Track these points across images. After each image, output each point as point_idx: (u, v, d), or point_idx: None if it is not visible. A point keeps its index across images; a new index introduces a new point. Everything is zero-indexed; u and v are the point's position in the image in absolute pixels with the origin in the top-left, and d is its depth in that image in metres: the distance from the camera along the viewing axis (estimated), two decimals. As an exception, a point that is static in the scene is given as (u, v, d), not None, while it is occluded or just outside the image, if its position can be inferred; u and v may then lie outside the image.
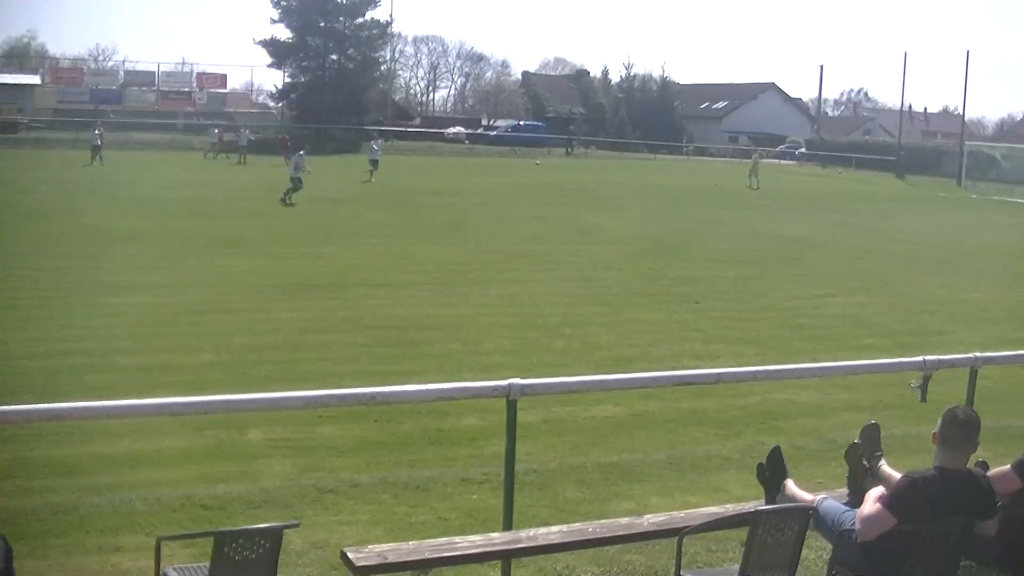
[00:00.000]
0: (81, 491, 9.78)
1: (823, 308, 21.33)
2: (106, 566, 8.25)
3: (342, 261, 24.75)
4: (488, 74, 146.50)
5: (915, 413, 12.08)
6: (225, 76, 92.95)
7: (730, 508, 7.62)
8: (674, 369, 13.64)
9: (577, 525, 7.45)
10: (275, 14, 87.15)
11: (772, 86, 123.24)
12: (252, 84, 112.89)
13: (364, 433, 11.85)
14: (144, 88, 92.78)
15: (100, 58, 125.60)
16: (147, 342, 15.95)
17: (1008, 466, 6.88)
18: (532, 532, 7.14)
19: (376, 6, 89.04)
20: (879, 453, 7.16)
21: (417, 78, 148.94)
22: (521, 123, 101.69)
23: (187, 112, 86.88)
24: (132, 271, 22.02)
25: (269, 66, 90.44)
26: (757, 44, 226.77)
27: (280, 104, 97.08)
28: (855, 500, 6.76)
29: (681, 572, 6.70)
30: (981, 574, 7.63)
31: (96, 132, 55.91)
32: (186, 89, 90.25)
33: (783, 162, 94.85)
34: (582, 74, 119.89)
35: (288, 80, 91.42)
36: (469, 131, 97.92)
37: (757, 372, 10.75)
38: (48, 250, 24.48)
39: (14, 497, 9.60)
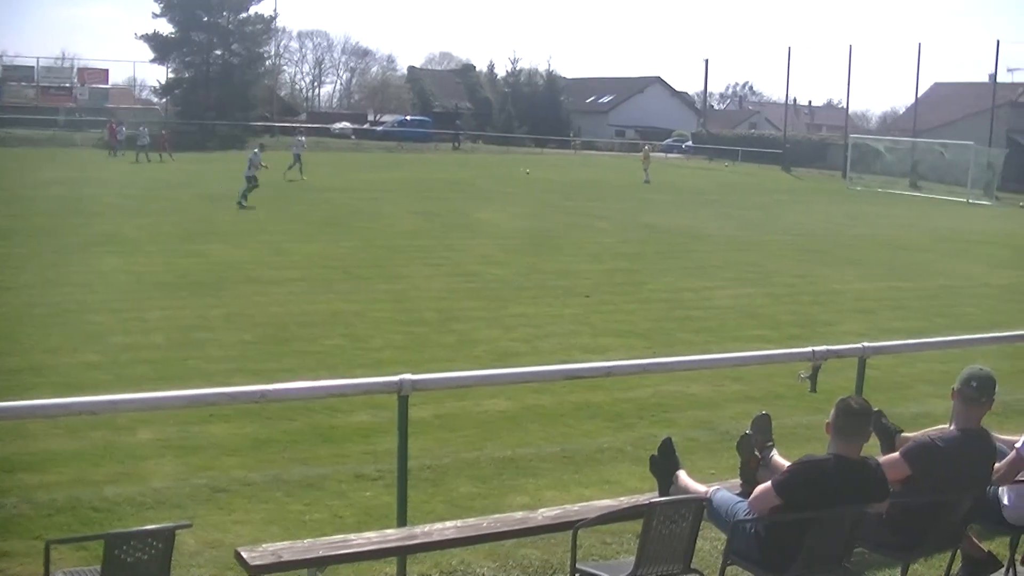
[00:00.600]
0: (-42, 499, 9.52)
1: (712, 300, 21.54)
2: (-8, 573, 8.06)
3: (221, 258, 24.36)
4: (374, 69, 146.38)
5: (805, 403, 12.26)
6: (107, 71, 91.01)
7: (624, 500, 7.63)
8: (565, 363, 13.60)
9: (472, 520, 7.42)
10: (157, 8, 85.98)
11: (658, 80, 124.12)
12: (135, 79, 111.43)
13: (255, 431, 11.69)
14: (23, 83, 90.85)
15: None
16: (16, 343, 15.46)
17: (897, 453, 6.98)
18: (427, 528, 7.09)
19: (260, 1, 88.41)
20: (770, 443, 7.23)
21: (302, 73, 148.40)
22: (408, 118, 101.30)
23: (68, 108, 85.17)
24: (-1, 271, 21.41)
25: (152, 61, 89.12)
26: (642, 38, 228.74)
27: (164, 100, 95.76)
28: (748, 490, 6.80)
29: (577, 565, 6.69)
30: (872, 560, 7.76)
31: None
32: (67, 84, 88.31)
33: (670, 155, 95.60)
34: (468, 69, 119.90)
35: (172, 76, 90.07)
36: (355, 126, 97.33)
37: (647, 365, 10.83)
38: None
39: None
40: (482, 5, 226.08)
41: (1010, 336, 12.53)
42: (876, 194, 62.02)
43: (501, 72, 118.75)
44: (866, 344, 9.08)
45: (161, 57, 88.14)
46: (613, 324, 18.55)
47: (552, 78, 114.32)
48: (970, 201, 59.49)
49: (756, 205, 47.01)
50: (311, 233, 29.55)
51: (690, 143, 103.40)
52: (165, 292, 19.78)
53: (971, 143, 64.21)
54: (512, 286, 22.06)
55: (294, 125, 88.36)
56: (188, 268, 22.56)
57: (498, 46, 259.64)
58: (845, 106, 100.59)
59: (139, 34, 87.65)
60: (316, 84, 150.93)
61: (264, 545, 6.56)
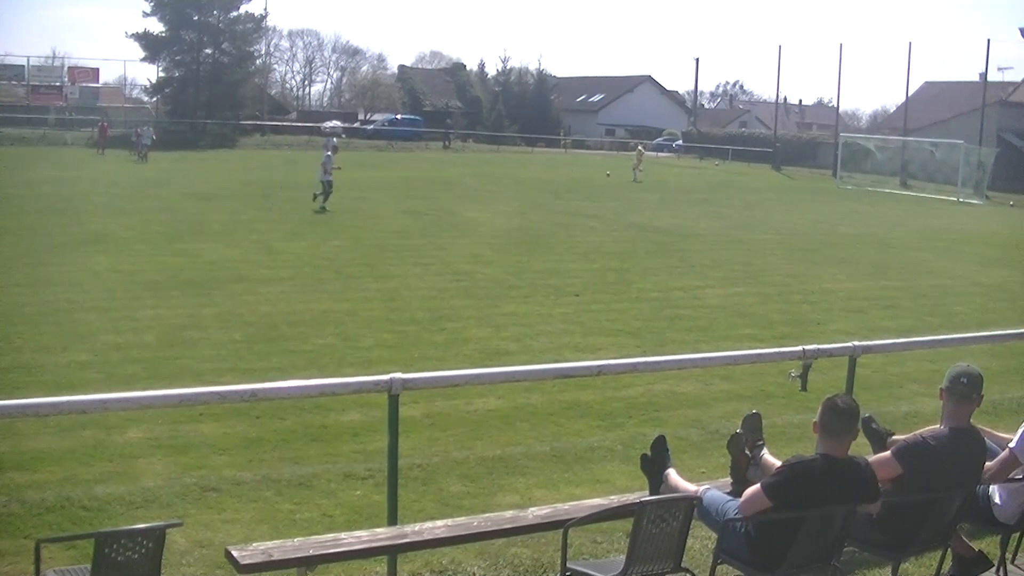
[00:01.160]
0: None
1: (702, 299, 21.55)
2: (-18, 571, 8.04)
3: (212, 257, 24.29)
4: (364, 68, 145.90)
5: (796, 402, 12.32)
6: (97, 70, 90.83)
7: (615, 499, 7.63)
8: (555, 362, 13.62)
9: (462, 519, 7.41)
10: (147, 7, 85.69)
11: (648, 79, 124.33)
12: (125, 78, 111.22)
13: (246, 430, 11.68)
14: (13, 82, 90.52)
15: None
16: (6, 342, 15.41)
17: (888, 452, 6.98)
18: (417, 527, 7.08)
19: (250, 0, 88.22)
20: (761, 442, 7.24)
21: (293, 72, 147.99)
22: (398, 117, 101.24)
23: (58, 107, 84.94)
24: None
25: (142, 60, 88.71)
26: (633, 37, 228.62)
27: (155, 99, 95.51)
28: (738, 490, 6.81)
29: (567, 564, 6.69)
30: (863, 559, 7.77)
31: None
32: (57, 83, 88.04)
33: (660, 154, 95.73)
34: (458, 68, 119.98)
35: (162, 75, 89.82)
36: (346, 125, 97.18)
37: (638, 364, 10.85)
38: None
39: None
40: (472, 4, 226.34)
41: (1000, 335, 12.56)
42: (866, 193, 62.14)
43: (492, 71, 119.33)
44: (856, 343, 9.09)
45: (151, 56, 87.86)
46: (603, 323, 18.55)
47: (542, 77, 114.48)
48: (960, 200, 59.63)
49: (746, 204, 47.04)
50: (301, 232, 29.49)
51: (680, 142, 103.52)
52: (155, 291, 19.72)
53: (961, 142, 64.34)
54: (502, 285, 22.05)
55: (283, 124, 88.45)
56: (178, 267, 22.51)
57: (489, 45, 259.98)
58: (835, 105, 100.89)
59: (129, 33, 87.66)
60: (306, 83, 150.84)
61: (254, 544, 6.54)
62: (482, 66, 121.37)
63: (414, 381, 7.50)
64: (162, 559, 5.92)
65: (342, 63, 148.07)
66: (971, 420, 7.08)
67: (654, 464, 7.34)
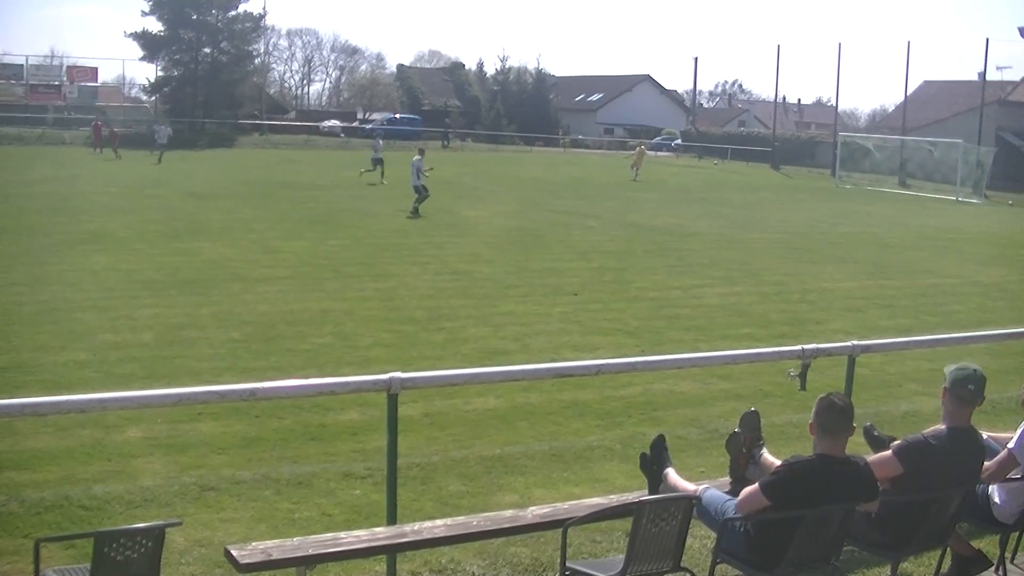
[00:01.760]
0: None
1: (700, 298, 21.53)
2: (-19, 570, 8.03)
3: (210, 257, 24.27)
4: (363, 67, 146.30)
5: (795, 401, 12.30)
6: (96, 69, 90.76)
7: (614, 499, 7.63)
8: (554, 361, 13.59)
9: (461, 518, 7.41)
10: (146, 6, 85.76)
11: (647, 78, 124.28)
12: (124, 77, 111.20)
13: (244, 429, 11.68)
14: (12, 81, 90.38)
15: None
16: (5, 341, 15.42)
17: (889, 451, 6.97)
18: (416, 526, 7.07)
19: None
20: (760, 441, 7.24)
21: (291, 71, 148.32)
22: (397, 116, 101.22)
23: (57, 106, 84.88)
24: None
25: (141, 59, 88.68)
26: (632, 36, 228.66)
27: (153, 98, 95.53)
28: (737, 488, 6.81)
29: (566, 563, 6.69)
30: (862, 558, 7.77)
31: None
32: (56, 82, 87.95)
33: (659, 154, 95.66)
34: (457, 67, 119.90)
35: (161, 74, 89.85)
36: (344, 124, 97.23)
37: (637, 363, 10.85)
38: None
39: None
40: (471, 3, 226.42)
41: (998, 334, 12.55)
42: (865, 192, 62.14)
43: (490, 70, 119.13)
44: (855, 342, 9.08)
45: (150, 55, 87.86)
46: (602, 322, 18.54)
47: (541, 76, 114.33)
48: (959, 199, 59.55)
49: (745, 203, 47.00)
50: (299, 231, 29.45)
51: (679, 141, 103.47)
52: (154, 290, 19.72)
53: (960, 141, 64.28)
54: (501, 284, 22.04)
55: (282, 123, 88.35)
56: (177, 266, 22.48)
57: (487, 44, 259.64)
58: (834, 104, 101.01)
59: (128, 32, 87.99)
60: (305, 82, 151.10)
61: (253, 543, 6.53)
62: (481, 65, 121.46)
63: (413, 380, 7.50)
64: (161, 558, 5.92)
65: (341, 62, 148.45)
66: (970, 420, 7.09)
67: (653, 463, 7.34)
